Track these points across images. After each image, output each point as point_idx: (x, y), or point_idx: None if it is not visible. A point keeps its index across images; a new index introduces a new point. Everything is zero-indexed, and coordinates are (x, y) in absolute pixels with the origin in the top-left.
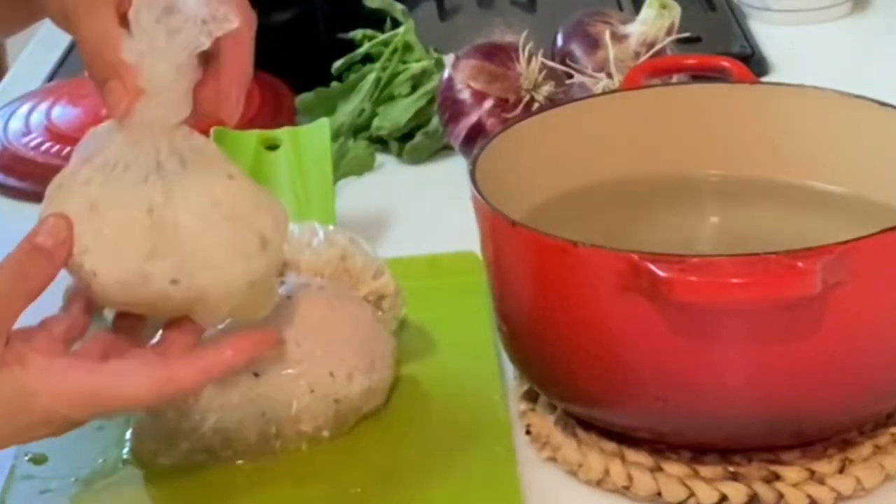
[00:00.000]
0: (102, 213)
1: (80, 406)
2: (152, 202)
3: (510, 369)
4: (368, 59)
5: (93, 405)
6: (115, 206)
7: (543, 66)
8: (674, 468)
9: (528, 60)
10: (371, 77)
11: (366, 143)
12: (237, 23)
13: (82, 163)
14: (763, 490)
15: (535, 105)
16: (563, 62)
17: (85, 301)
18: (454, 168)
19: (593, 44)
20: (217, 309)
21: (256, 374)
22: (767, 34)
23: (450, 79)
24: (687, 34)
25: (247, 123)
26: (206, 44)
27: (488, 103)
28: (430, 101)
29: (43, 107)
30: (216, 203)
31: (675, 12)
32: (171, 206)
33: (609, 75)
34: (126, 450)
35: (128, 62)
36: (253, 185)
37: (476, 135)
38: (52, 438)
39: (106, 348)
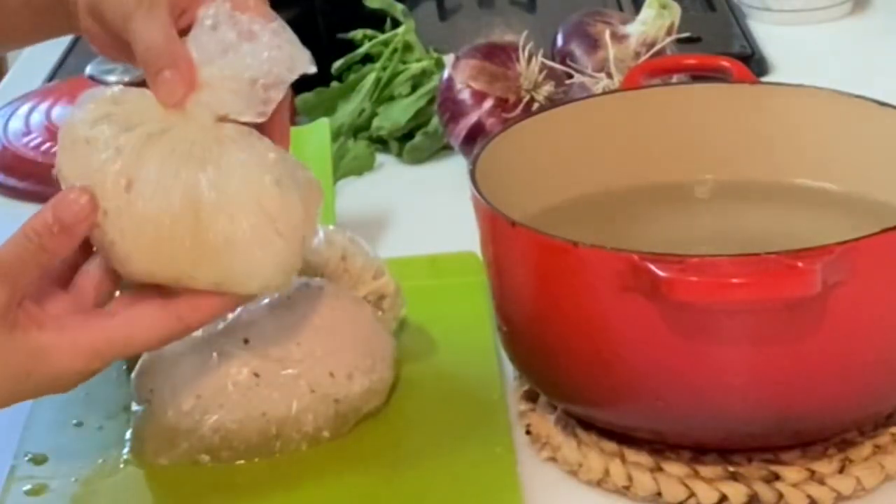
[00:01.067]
0: (142, 199)
1: (95, 359)
2: (199, 200)
3: (510, 369)
4: (368, 59)
5: (107, 356)
6: (158, 197)
7: (543, 66)
8: (674, 468)
9: (528, 60)
10: (371, 77)
11: (366, 143)
12: (312, 68)
13: (105, 119)
14: (763, 490)
15: (535, 105)
16: (563, 62)
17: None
18: (454, 168)
19: (593, 44)
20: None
21: (256, 375)
22: (767, 34)
23: (450, 79)
24: (687, 34)
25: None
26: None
27: (488, 103)
28: (430, 101)
29: (43, 107)
30: (271, 219)
31: (675, 12)
32: (221, 211)
33: (609, 75)
34: (126, 450)
35: (187, 54)
36: (299, 185)
37: (476, 135)
38: (53, 439)
39: (111, 293)
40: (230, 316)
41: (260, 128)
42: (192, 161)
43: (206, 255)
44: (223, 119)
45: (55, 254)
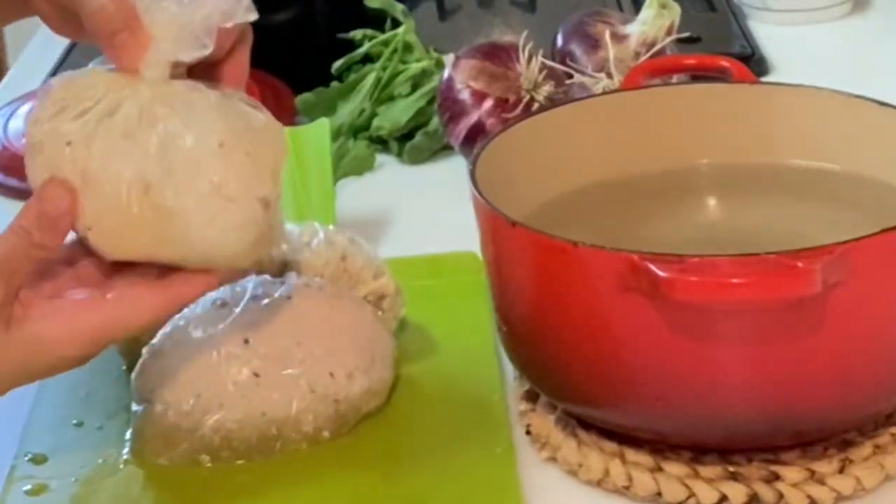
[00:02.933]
0: (97, 186)
1: (90, 344)
2: (148, 180)
3: (510, 369)
4: (368, 59)
5: (102, 340)
6: (111, 182)
7: (543, 66)
8: (674, 468)
9: (528, 60)
10: (371, 77)
11: (366, 143)
12: (254, 16)
13: (58, 113)
14: (763, 490)
15: (535, 105)
16: (563, 62)
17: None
18: (454, 168)
19: (593, 44)
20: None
21: (256, 375)
22: (767, 34)
23: (450, 79)
24: (687, 34)
25: None
26: (221, 24)
27: (488, 103)
28: (430, 101)
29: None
30: (215, 187)
31: (675, 12)
32: (167, 186)
33: (609, 75)
34: (126, 450)
35: (136, 13)
36: (244, 137)
37: (476, 135)
38: (53, 439)
39: (105, 273)
40: (229, 317)
41: (215, 68)
42: (139, 140)
43: (165, 232)
44: (175, 67)
45: (46, 247)
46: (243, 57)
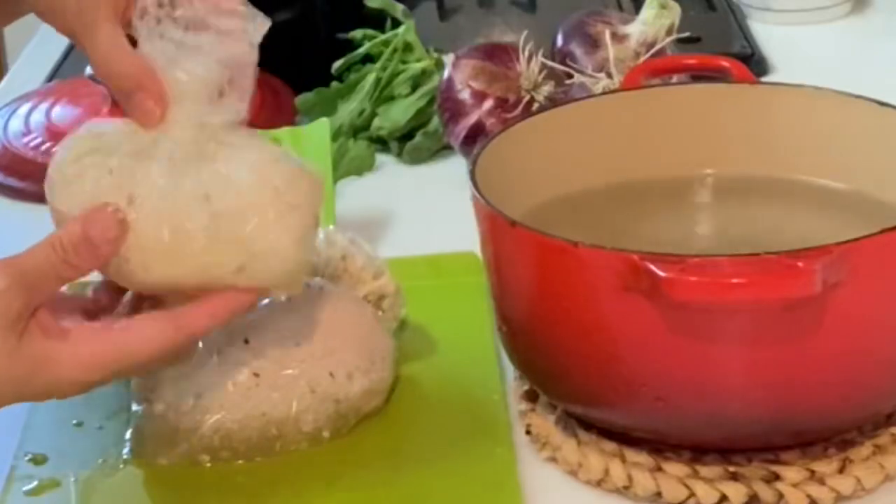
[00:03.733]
0: (148, 207)
1: (97, 369)
2: (206, 191)
3: (510, 369)
4: (368, 59)
5: (108, 367)
6: (165, 201)
7: (543, 66)
8: (674, 468)
9: (528, 60)
10: (371, 77)
11: (366, 143)
12: (267, 22)
13: (89, 152)
14: (763, 490)
15: (535, 105)
16: (563, 62)
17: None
18: (454, 168)
19: (593, 44)
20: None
21: (256, 374)
22: (767, 34)
23: (450, 79)
24: (687, 34)
25: (247, 124)
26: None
27: (488, 103)
28: (430, 101)
29: (43, 107)
30: (279, 192)
31: (675, 12)
32: (229, 193)
33: (609, 75)
34: (126, 450)
35: (150, 71)
36: (299, 163)
37: (476, 135)
38: (53, 439)
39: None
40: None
41: None
42: (189, 160)
43: (224, 240)
44: (203, 129)
45: (78, 269)
46: None
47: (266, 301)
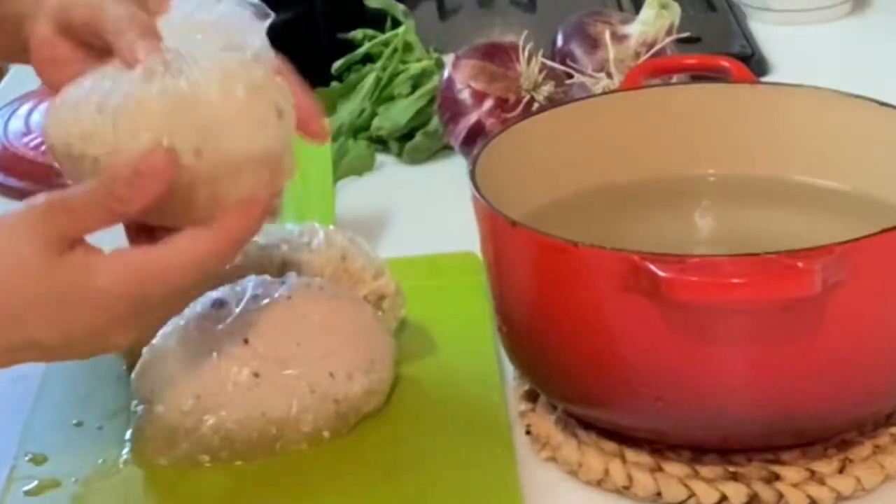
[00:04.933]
0: (108, 102)
1: (136, 282)
2: (161, 81)
3: (510, 369)
4: (368, 59)
5: (148, 279)
6: (123, 92)
7: (543, 66)
8: (674, 468)
9: (528, 60)
10: (371, 77)
11: (366, 143)
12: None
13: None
14: (763, 490)
15: (535, 105)
16: (563, 62)
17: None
18: (454, 168)
19: (593, 44)
20: (238, 185)
21: (256, 375)
22: (767, 34)
23: (450, 79)
24: (687, 34)
25: None
26: None
27: (488, 103)
28: (430, 101)
29: (43, 107)
30: (230, 75)
31: (675, 12)
32: (186, 81)
33: (609, 75)
34: (126, 450)
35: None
36: (261, 67)
37: (476, 135)
38: (53, 439)
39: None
40: (229, 318)
41: None
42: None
43: (179, 120)
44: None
45: (126, 204)
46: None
47: (266, 301)
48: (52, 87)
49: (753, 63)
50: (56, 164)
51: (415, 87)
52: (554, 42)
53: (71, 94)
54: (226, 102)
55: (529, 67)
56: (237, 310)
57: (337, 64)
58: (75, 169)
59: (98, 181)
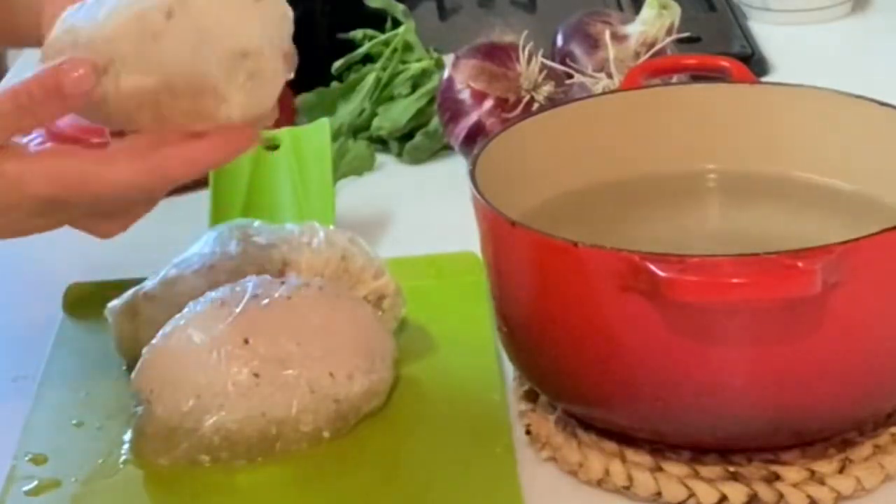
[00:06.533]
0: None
1: (69, 188)
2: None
3: (510, 369)
4: (368, 59)
5: (81, 188)
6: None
7: (543, 66)
8: (674, 468)
9: (528, 60)
10: (371, 77)
11: (366, 143)
12: None
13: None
14: (763, 490)
15: (535, 105)
16: (563, 62)
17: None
18: (454, 168)
19: (593, 44)
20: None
21: (256, 375)
22: (767, 34)
23: (450, 79)
24: (687, 34)
25: None
26: None
27: (488, 103)
28: (430, 101)
29: None
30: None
31: (675, 12)
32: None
33: (609, 75)
34: (126, 450)
35: None
36: None
37: (476, 135)
38: (53, 439)
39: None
40: (229, 318)
41: None
42: None
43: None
44: None
45: (42, 119)
46: None
47: (266, 301)
48: None
49: (753, 63)
50: None
51: (415, 87)
52: (554, 42)
53: (69, 15)
54: (221, 10)
55: (529, 67)
56: (237, 310)
57: (337, 64)
58: None
59: (14, 94)
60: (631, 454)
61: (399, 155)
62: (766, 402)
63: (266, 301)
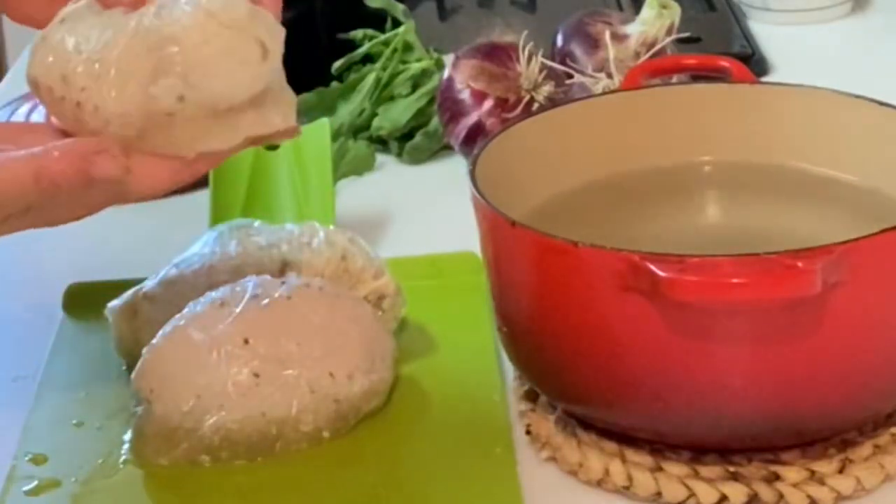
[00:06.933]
0: (90, 46)
1: (11, 181)
2: (143, 25)
3: (510, 369)
4: (368, 59)
5: (25, 183)
6: (105, 38)
7: (543, 66)
8: (674, 468)
9: (528, 60)
10: (371, 77)
11: (366, 143)
12: None
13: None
14: (763, 490)
15: (535, 105)
16: (563, 62)
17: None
18: (454, 168)
19: (593, 44)
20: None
21: (256, 375)
22: (767, 34)
23: (450, 79)
24: (687, 34)
25: None
26: None
27: (488, 103)
28: (430, 101)
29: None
30: (210, 15)
31: (675, 12)
32: (164, 25)
33: (609, 75)
34: (126, 450)
35: None
36: (243, 2)
37: (476, 135)
38: (53, 439)
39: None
40: (229, 318)
41: None
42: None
43: (160, 66)
44: None
45: (60, 200)
46: None
47: (266, 301)
48: (18, 21)
49: (753, 63)
50: (39, 101)
51: (415, 87)
52: (554, 42)
53: (52, 34)
54: (207, 46)
55: (529, 67)
56: (237, 310)
57: (337, 64)
58: (58, 110)
59: (33, 174)
60: (631, 454)
61: (399, 155)
62: (766, 402)
63: (266, 301)
